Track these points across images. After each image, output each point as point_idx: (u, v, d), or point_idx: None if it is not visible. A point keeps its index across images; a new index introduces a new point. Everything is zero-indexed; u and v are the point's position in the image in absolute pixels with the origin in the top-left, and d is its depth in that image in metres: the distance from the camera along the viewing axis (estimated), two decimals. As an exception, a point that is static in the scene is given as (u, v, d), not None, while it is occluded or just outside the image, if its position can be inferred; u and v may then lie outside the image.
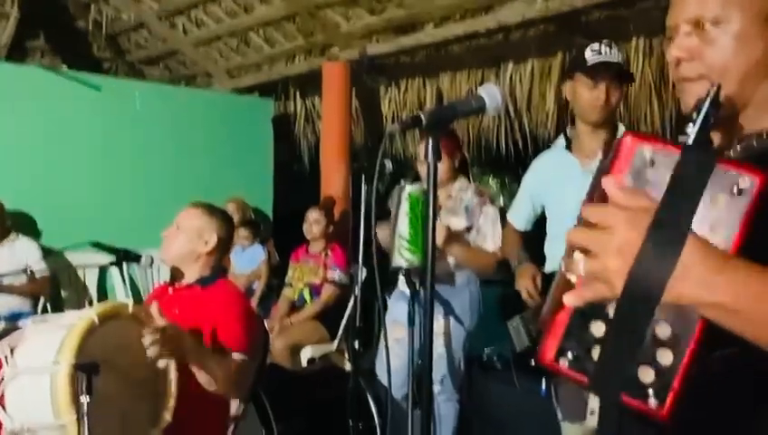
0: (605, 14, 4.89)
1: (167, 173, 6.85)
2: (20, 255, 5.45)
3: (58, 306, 5.74)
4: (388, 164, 3.65)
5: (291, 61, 7.37)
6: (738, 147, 1.20)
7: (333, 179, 6.60)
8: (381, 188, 3.76)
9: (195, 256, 2.95)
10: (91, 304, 6.01)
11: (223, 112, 7.44)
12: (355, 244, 3.58)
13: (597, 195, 0.99)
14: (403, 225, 3.33)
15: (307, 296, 5.36)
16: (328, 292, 5.24)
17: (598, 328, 0.99)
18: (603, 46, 2.90)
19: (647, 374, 0.96)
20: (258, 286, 6.12)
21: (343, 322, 4.88)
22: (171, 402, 2.54)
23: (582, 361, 0.99)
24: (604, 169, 1.01)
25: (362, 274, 3.50)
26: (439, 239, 3.39)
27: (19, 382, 2.35)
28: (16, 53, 7.62)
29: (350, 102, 6.95)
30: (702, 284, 0.90)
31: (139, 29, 8.04)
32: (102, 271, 6.38)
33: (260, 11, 6.89)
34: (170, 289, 3.03)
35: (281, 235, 7.05)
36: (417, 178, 3.74)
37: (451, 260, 3.66)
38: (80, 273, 6.23)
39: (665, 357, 0.96)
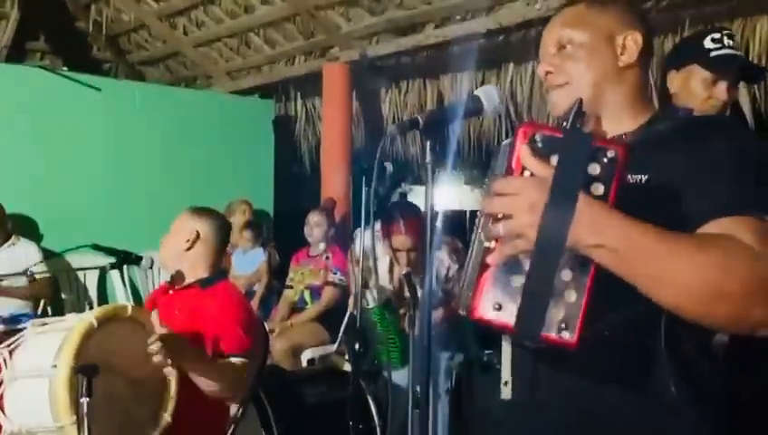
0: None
1: (167, 175, 6.85)
2: (20, 257, 5.44)
3: (58, 309, 5.73)
4: (389, 166, 3.66)
5: (291, 62, 7.37)
6: None
7: (334, 181, 6.60)
8: (382, 191, 3.75)
9: (179, 255, 2.99)
10: (91, 306, 6.01)
11: (223, 114, 7.44)
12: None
13: (504, 172, 1.21)
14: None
15: (308, 298, 5.35)
16: (328, 294, 5.23)
17: (517, 281, 1.18)
18: (725, 37, 2.54)
19: (558, 312, 1.16)
20: (259, 288, 6.12)
21: (344, 323, 4.87)
22: (171, 404, 2.54)
23: (507, 310, 1.18)
24: (507, 156, 1.22)
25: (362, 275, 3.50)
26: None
27: (18, 385, 2.36)
28: (16, 54, 7.63)
29: (351, 104, 6.95)
30: (592, 227, 1.12)
31: (139, 30, 8.05)
32: (102, 273, 6.37)
33: (260, 12, 6.89)
34: (170, 290, 3.04)
35: (281, 236, 7.04)
36: (417, 180, 3.74)
37: None
38: (80, 275, 6.22)
39: (570, 296, 1.16)
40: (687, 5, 4.90)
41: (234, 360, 2.71)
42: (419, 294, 3.11)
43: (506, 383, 1.49)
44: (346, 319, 4.67)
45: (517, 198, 1.14)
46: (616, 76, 1.47)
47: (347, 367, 4.60)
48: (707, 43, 2.52)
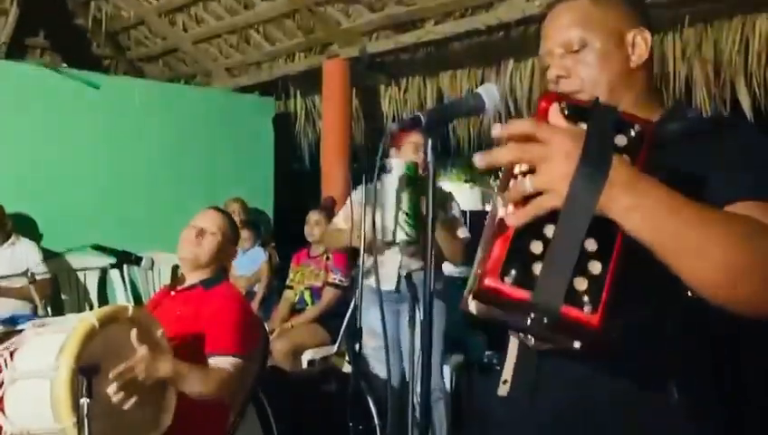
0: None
1: (167, 173, 6.84)
2: (20, 257, 5.44)
3: (58, 309, 5.73)
4: (389, 164, 3.64)
5: (291, 59, 7.36)
6: None
7: (334, 178, 6.59)
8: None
9: (218, 264, 3.03)
10: (91, 306, 6.01)
11: (223, 111, 7.44)
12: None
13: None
14: (396, 199, 3.31)
15: (308, 299, 5.34)
16: (329, 294, 5.22)
17: (536, 247, 1.05)
18: None
19: (581, 283, 1.04)
20: (259, 289, 6.11)
21: (344, 324, 4.87)
22: (171, 405, 2.54)
23: (524, 277, 1.04)
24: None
25: (362, 275, 3.49)
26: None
27: (19, 387, 2.35)
28: (16, 51, 7.62)
29: (351, 101, 6.94)
30: (627, 188, 1.02)
31: (138, 26, 8.04)
32: (103, 273, 6.37)
33: (260, 8, 6.89)
34: (172, 292, 3.03)
35: (281, 233, 7.04)
36: (389, 171, 3.72)
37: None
38: (80, 275, 6.22)
39: (595, 267, 1.05)
40: (687, 3, 4.88)
41: (227, 360, 2.70)
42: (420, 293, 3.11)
43: (505, 382, 1.46)
44: (346, 320, 4.67)
45: (550, 146, 1.03)
46: (628, 78, 1.43)
47: (347, 368, 4.60)
48: None
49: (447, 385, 3.95)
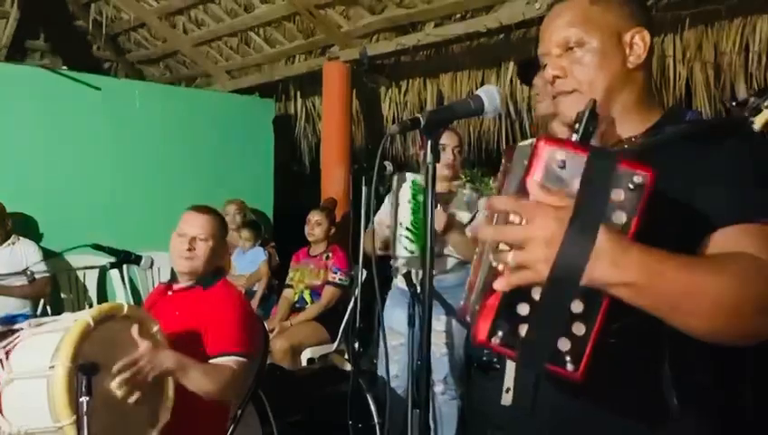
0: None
1: (167, 174, 6.85)
2: (20, 257, 5.45)
3: (58, 308, 5.74)
4: (389, 166, 3.65)
5: (291, 61, 7.37)
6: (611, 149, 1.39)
7: (334, 180, 6.60)
8: (382, 190, 3.74)
9: (212, 268, 2.99)
10: (91, 306, 6.00)
11: (223, 113, 7.44)
12: (355, 245, 3.57)
13: (518, 195, 1.13)
14: (404, 213, 3.31)
15: (307, 298, 5.35)
16: (328, 293, 5.23)
17: (523, 309, 1.11)
18: None
19: (564, 344, 1.10)
20: (259, 288, 6.12)
21: (343, 323, 4.88)
22: (170, 403, 2.54)
23: (511, 338, 1.12)
24: (524, 172, 1.14)
25: (362, 275, 3.49)
26: (439, 226, 3.38)
27: (16, 386, 2.35)
28: (16, 53, 7.64)
29: (351, 103, 6.94)
30: (613, 265, 1.05)
31: (139, 29, 8.05)
32: (102, 273, 6.38)
33: (260, 11, 6.90)
34: (169, 291, 3.03)
35: (281, 235, 7.05)
36: (389, 174, 3.73)
37: (450, 254, 3.66)
38: (80, 275, 6.23)
39: (578, 329, 1.10)
40: (687, 5, 4.89)
41: (231, 359, 2.70)
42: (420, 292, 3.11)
43: (508, 390, 1.45)
44: (346, 318, 4.68)
45: (533, 229, 1.07)
46: (625, 78, 1.42)
47: (347, 366, 4.61)
48: None
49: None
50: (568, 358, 1.10)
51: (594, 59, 1.41)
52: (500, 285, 1.10)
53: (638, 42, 1.42)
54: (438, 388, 3.68)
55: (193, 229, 2.96)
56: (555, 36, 1.44)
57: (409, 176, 3.37)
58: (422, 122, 1.45)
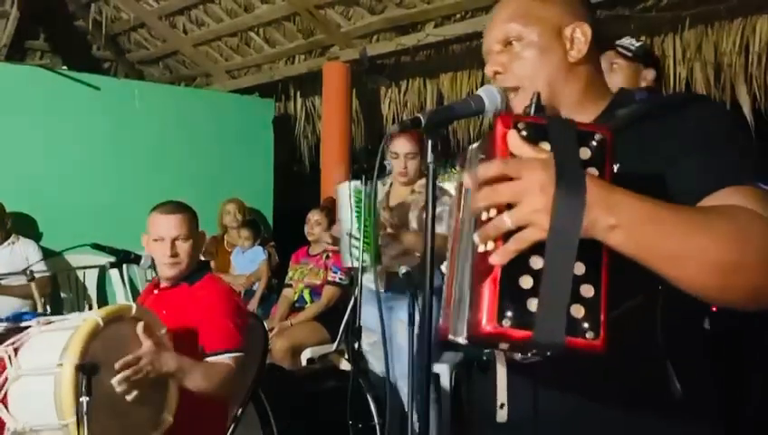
0: (605, 14, 4.88)
1: (166, 174, 6.84)
2: (20, 256, 5.45)
3: (58, 308, 5.74)
4: (389, 166, 3.65)
5: (291, 61, 7.37)
6: None
7: (334, 180, 6.58)
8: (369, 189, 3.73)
9: (194, 265, 2.98)
10: (90, 305, 6.01)
11: (223, 113, 7.44)
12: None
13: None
14: (350, 221, 3.29)
15: (307, 297, 5.34)
16: (328, 293, 5.22)
17: (526, 281, 1.03)
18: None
19: (578, 311, 1.03)
20: (258, 287, 6.11)
21: (343, 323, 4.87)
22: (172, 404, 2.54)
23: (522, 317, 1.03)
24: (487, 153, 1.12)
25: (362, 274, 3.48)
26: (385, 230, 3.36)
27: (23, 383, 2.36)
28: (16, 52, 7.63)
29: (351, 103, 6.94)
30: (606, 207, 1.02)
31: (138, 29, 8.04)
32: (102, 272, 6.38)
33: (260, 11, 6.89)
34: (156, 289, 3.02)
35: (281, 235, 7.04)
36: (389, 173, 3.72)
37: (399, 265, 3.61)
38: (79, 274, 6.23)
39: (587, 291, 1.03)
40: (687, 5, 4.90)
41: (226, 357, 2.71)
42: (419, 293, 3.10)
43: (502, 406, 1.40)
44: (346, 318, 4.67)
45: (522, 182, 1.02)
46: (567, 73, 1.41)
47: (346, 366, 4.60)
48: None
49: (447, 385, 3.94)
50: (585, 325, 1.03)
51: (533, 54, 1.40)
52: (498, 257, 1.03)
53: (579, 36, 1.41)
54: (402, 382, 3.61)
55: (171, 231, 2.90)
56: (495, 32, 1.45)
57: (350, 184, 3.35)
58: (422, 122, 1.45)
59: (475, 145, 1.33)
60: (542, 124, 1.09)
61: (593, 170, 1.07)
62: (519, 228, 1.03)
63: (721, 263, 1.07)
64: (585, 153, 1.08)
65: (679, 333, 1.28)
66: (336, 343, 5.04)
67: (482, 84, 6.49)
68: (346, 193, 3.31)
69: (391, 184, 3.91)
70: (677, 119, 1.31)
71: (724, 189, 1.20)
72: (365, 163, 6.15)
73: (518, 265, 1.04)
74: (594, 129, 1.10)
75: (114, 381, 2.32)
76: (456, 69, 6.63)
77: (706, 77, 5.22)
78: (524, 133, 1.07)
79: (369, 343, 3.77)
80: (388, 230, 3.47)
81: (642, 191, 1.08)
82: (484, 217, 1.07)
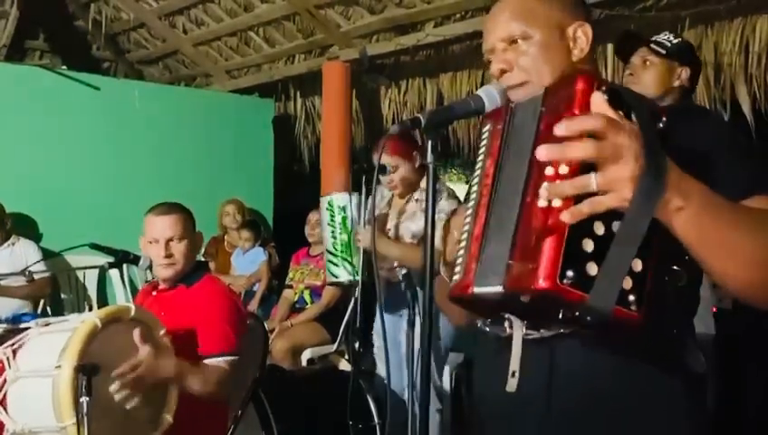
0: (605, 14, 4.87)
1: (166, 174, 6.84)
2: (20, 257, 5.45)
3: (58, 308, 5.74)
4: (389, 166, 3.64)
5: (291, 61, 7.36)
6: None
7: (334, 180, 6.58)
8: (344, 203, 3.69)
9: (191, 264, 2.96)
10: (90, 306, 6.01)
11: (223, 113, 7.43)
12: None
13: (550, 122, 1.08)
14: (326, 237, 3.25)
15: (307, 298, 5.34)
16: (329, 294, 5.21)
17: (588, 245, 1.05)
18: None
19: (627, 282, 1.05)
20: (259, 288, 6.11)
21: (344, 323, 4.87)
22: (172, 404, 2.54)
23: (581, 279, 1.04)
24: (556, 104, 1.13)
25: (362, 275, 3.49)
26: (364, 243, 3.31)
27: (21, 385, 2.36)
28: (16, 52, 7.62)
29: (351, 103, 6.93)
30: (680, 188, 1.04)
31: (138, 29, 8.03)
32: (102, 273, 6.37)
33: (260, 10, 6.88)
34: (154, 291, 3.01)
35: (281, 236, 7.04)
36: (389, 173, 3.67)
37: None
38: (79, 275, 6.22)
39: (636, 265, 1.06)
40: (687, 5, 4.89)
41: (222, 360, 2.71)
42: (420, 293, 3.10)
43: (513, 374, 1.38)
44: (346, 319, 4.67)
45: (620, 148, 1.01)
46: (570, 71, 1.41)
47: (347, 367, 4.60)
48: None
49: (447, 386, 3.94)
50: (631, 297, 1.05)
51: (539, 51, 1.42)
52: (569, 216, 1.03)
53: (581, 35, 1.44)
54: (406, 393, 3.62)
55: (164, 232, 2.90)
56: (499, 32, 1.46)
57: (325, 199, 3.32)
58: (422, 122, 1.45)
59: (522, 102, 1.33)
60: (620, 92, 1.09)
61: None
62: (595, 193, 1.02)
63: (766, 261, 1.11)
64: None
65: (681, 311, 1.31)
66: (336, 343, 5.04)
67: (482, 84, 6.53)
68: (324, 208, 3.28)
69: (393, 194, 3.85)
70: (697, 122, 1.35)
71: (754, 197, 1.24)
72: (365, 163, 6.15)
73: (583, 227, 1.05)
74: (658, 108, 1.12)
75: (112, 389, 2.31)
76: (455, 69, 6.62)
77: (706, 77, 5.21)
78: (606, 97, 1.07)
79: (378, 346, 3.77)
80: (364, 244, 3.37)
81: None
82: (549, 172, 1.07)
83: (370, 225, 3.29)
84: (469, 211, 1.36)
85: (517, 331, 1.37)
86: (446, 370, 3.94)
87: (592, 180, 1.01)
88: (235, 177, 7.21)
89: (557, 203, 1.05)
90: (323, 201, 3.35)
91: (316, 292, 5.31)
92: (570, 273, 1.04)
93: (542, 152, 1.03)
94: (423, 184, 3.71)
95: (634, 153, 1.01)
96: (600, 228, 1.05)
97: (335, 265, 3.32)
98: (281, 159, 7.86)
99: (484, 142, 1.41)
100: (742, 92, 5.08)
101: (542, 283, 1.06)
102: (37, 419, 2.30)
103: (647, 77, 3.01)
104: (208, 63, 7.97)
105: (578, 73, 1.13)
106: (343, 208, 3.42)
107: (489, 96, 1.48)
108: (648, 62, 3.06)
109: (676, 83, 3.06)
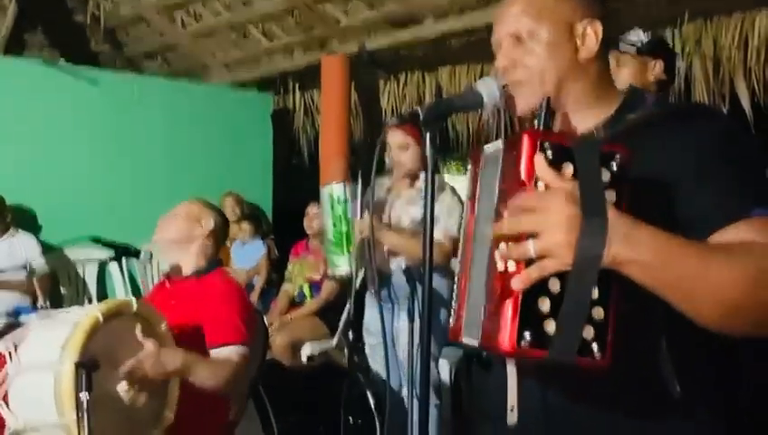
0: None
1: (165, 168, 6.85)
2: (19, 250, 5.45)
3: (57, 302, 5.74)
4: (388, 160, 3.63)
5: (290, 55, 7.35)
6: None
7: (332, 174, 6.58)
8: (342, 193, 3.67)
9: (190, 239, 2.96)
10: (90, 299, 6.01)
11: (222, 107, 7.43)
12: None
13: (509, 191, 1.15)
14: (327, 226, 3.25)
15: (307, 292, 5.35)
16: (328, 288, 5.22)
17: (545, 304, 1.10)
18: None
19: (588, 331, 1.10)
20: (258, 282, 6.11)
21: (343, 318, 4.88)
22: (174, 401, 2.54)
23: (539, 338, 1.10)
24: (511, 168, 1.15)
25: (361, 269, 3.48)
26: (360, 233, 3.31)
27: (23, 380, 2.35)
28: (14, 46, 7.60)
29: (350, 97, 6.93)
30: (627, 242, 1.07)
31: (137, 22, 8.01)
32: (102, 266, 6.38)
33: (259, 4, 6.87)
34: (168, 283, 3.03)
35: (280, 229, 7.04)
36: (389, 171, 3.67)
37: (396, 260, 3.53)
38: (79, 268, 6.23)
39: (598, 313, 1.10)
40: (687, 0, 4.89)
41: (232, 351, 2.71)
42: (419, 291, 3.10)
43: (512, 409, 1.39)
44: (345, 313, 4.67)
45: (550, 215, 1.07)
46: (577, 70, 1.41)
47: (346, 362, 4.61)
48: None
49: (447, 381, 3.94)
50: (594, 346, 1.10)
51: (544, 50, 1.40)
52: (519, 283, 1.09)
53: (590, 33, 1.41)
54: (406, 391, 3.62)
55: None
56: (507, 26, 1.44)
57: (325, 189, 3.32)
58: (421, 116, 1.45)
59: (490, 146, 1.34)
60: (567, 147, 1.12)
61: (611, 194, 1.11)
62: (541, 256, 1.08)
63: (732, 303, 1.12)
64: (605, 175, 1.11)
65: (681, 336, 1.28)
66: (336, 338, 5.05)
67: (481, 78, 6.48)
68: (325, 199, 3.28)
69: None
70: (685, 130, 1.31)
71: (733, 225, 1.22)
72: (365, 156, 6.16)
73: (537, 287, 1.10)
74: (614, 149, 1.13)
75: (120, 386, 2.32)
76: (454, 63, 6.62)
77: (705, 71, 5.22)
78: (550, 155, 1.11)
79: (370, 345, 3.76)
80: (363, 234, 3.36)
81: (648, 203, 1.15)
82: (505, 226, 1.12)
83: (369, 213, 3.29)
84: (460, 250, 1.39)
85: (510, 364, 1.38)
86: (446, 364, 3.94)
87: (530, 248, 1.07)
88: (233, 170, 7.21)
89: (511, 266, 1.11)
90: (324, 191, 3.35)
91: (316, 285, 5.31)
92: (527, 334, 1.10)
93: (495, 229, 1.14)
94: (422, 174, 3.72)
95: (565, 219, 1.06)
96: (555, 286, 1.10)
97: (336, 254, 3.31)
98: (280, 153, 7.86)
99: (467, 183, 1.42)
100: (741, 87, 5.08)
101: (503, 346, 1.12)
102: (39, 413, 2.29)
103: (621, 76, 3.05)
104: (207, 57, 7.96)
105: (523, 132, 1.14)
106: (343, 198, 3.41)
107: (488, 89, 1.47)
108: (620, 61, 3.11)
109: (652, 78, 3.11)
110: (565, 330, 1.09)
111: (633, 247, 1.07)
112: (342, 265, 3.27)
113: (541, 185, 1.11)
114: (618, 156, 1.13)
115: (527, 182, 1.11)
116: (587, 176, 1.09)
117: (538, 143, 1.12)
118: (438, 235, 3.42)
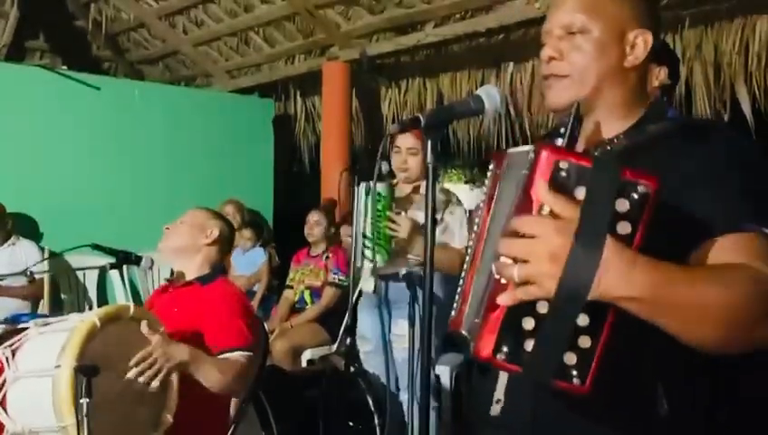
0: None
1: (167, 174, 6.84)
2: (20, 257, 5.45)
3: (58, 309, 5.73)
4: (385, 166, 3.62)
5: (291, 61, 7.37)
6: (596, 151, 1.41)
7: (334, 180, 6.58)
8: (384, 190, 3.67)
9: (195, 248, 2.97)
10: (91, 306, 6.01)
11: (223, 113, 7.44)
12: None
13: (520, 205, 1.12)
14: (365, 223, 3.25)
15: (307, 299, 5.34)
16: (329, 294, 5.22)
17: (529, 323, 1.10)
18: None
19: (570, 358, 1.09)
20: (259, 288, 6.11)
21: (344, 324, 4.87)
22: (172, 404, 2.54)
23: (516, 354, 1.11)
24: (525, 182, 1.12)
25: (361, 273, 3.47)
26: (404, 232, 3.30)
27: (21, 385, 2.35)
28: (16, 52, 7.63)
29: (351, 103, 6.94)
30: (620, 279, 1.05)
31: (138, 29, 8.04)
32: (102, 273, 6.37)
33: (260, 11, 6.90)
34: (170, 288, 3.03)
35: (281, 235, 7.04)
36: (390, 173, 3.66)
37: (412, 259, 3.53)
38: (80, 275, 6.22)
39: (584, 342, 1.09)
40: (687, 4, 4.90)
41: (239, 354, 2.71)
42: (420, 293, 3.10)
43: (498, 401, 1.43)
44: (346, 319, 4.66)
45: (537, 244, 1.06)
46: (619, 76, 1.41)
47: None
48: None
49: (447, 385, 3.93)
50: (574, 372, 1.10)
51: (592, 48, 1.39)
52: (504, 299, 1.09)
53: (640, 43, 1.40)
54: (405, 396, 3.60)
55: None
56: (561, 18, 1.43)
57: (364, 186, 3.31)
58: (422, 122, 1.45)
59: (516, 150, 1.32)
60: (586, 168, 1.09)
61: (626, 225, 1.08)
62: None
63: (729, 333, 1.14)
64: (623, 205, 1.08)
65: (669, 354, 1.29)
66: (336, 344, 5.04)
67: (482, 84, 6.52)
68: (360, 194, 3.29)
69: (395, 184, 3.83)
70: (699, 145, 1.32)
71: (729, 236, 1.24)
72: (366, 163, 6.15)
73: (525, 306, 1.10)
74: (640, 178, 1.08)
75: (131, 374, 2.33)
76: (455, 69, 6.63)
77: (706, 77, 5.22)
78: (565, 175, 1.09)
79: (364, 351, 3.76)
80: (399, 234, 3.35)
81: (657, 216, 1.11)
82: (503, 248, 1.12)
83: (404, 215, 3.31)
84: (470, 243, 1.38)
85: None
86: (446, 369, 3.93)
87: (515, 273, 1.08)
88: (234, 177, 7.21)
89: (504, 281, 1.11)
90: (361, 189, 3.34)
91: (316, 292, 5.31)
92: (505, 348, 1.11)
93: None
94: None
95: (549, 253, 1.05)
96: (543, 308, 1.09)
97: (372, 250, 3.29)
98: (281, 159, 7.86)
99: (487, 181, 1.39)
100: (742, 92, 5.08)
101: (481, 352, 1.13)
102: (37, 419, 2.30)
103: None
104: (208, 63, 7.98)
105: (543, 146, 1.12)
106: (385, 194, 3.41)
107: (489, 96, 1.47)
108: None
109: (656, 83, 3.13)
110: (540, 353, 1.09)
111: (627, 284, 1.06)
112: (378, 261, 3.26)
113: (546, 208, 1.09)
114: (641, 186, 1.08)
115: (534, 203, 1.10)
116: (593, 205, 1.06)
117: (553, 162, 1.10)
118: (457, 244, 3.46)
